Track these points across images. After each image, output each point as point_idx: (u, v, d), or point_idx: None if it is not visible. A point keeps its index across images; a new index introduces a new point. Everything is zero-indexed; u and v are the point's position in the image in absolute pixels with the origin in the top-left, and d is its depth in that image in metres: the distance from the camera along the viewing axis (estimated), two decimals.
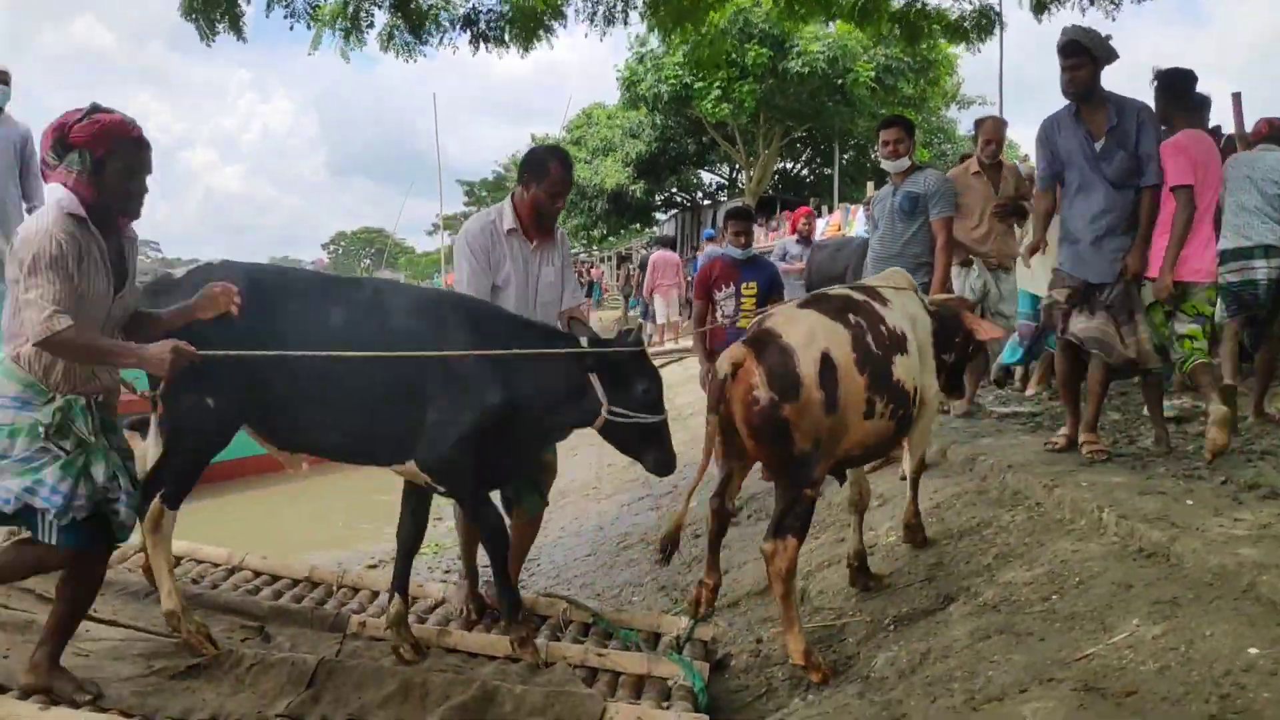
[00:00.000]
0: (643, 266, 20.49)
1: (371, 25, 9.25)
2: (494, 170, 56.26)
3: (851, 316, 3.86)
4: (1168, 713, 2.62)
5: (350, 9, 9.00)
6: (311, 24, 9.08)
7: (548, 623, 4.50)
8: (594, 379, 3.91)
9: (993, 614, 3.62)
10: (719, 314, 6.52)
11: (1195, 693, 2.66)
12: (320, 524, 9.63)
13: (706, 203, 35.16)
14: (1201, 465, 4.72)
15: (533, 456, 4.28)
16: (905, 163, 6.11)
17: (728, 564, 5.55)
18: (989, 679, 3.13)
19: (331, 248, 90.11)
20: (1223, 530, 3.66)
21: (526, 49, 9.37)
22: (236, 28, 8.52)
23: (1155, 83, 5.28)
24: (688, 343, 17.17)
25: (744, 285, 6.43)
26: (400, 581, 4.11)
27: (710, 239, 19.16)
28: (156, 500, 3.77)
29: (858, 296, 4.06)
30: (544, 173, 4.29)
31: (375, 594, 4.83)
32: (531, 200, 4.31)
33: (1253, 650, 2.74)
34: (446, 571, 7.27)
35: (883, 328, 3.92)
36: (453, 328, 3.83)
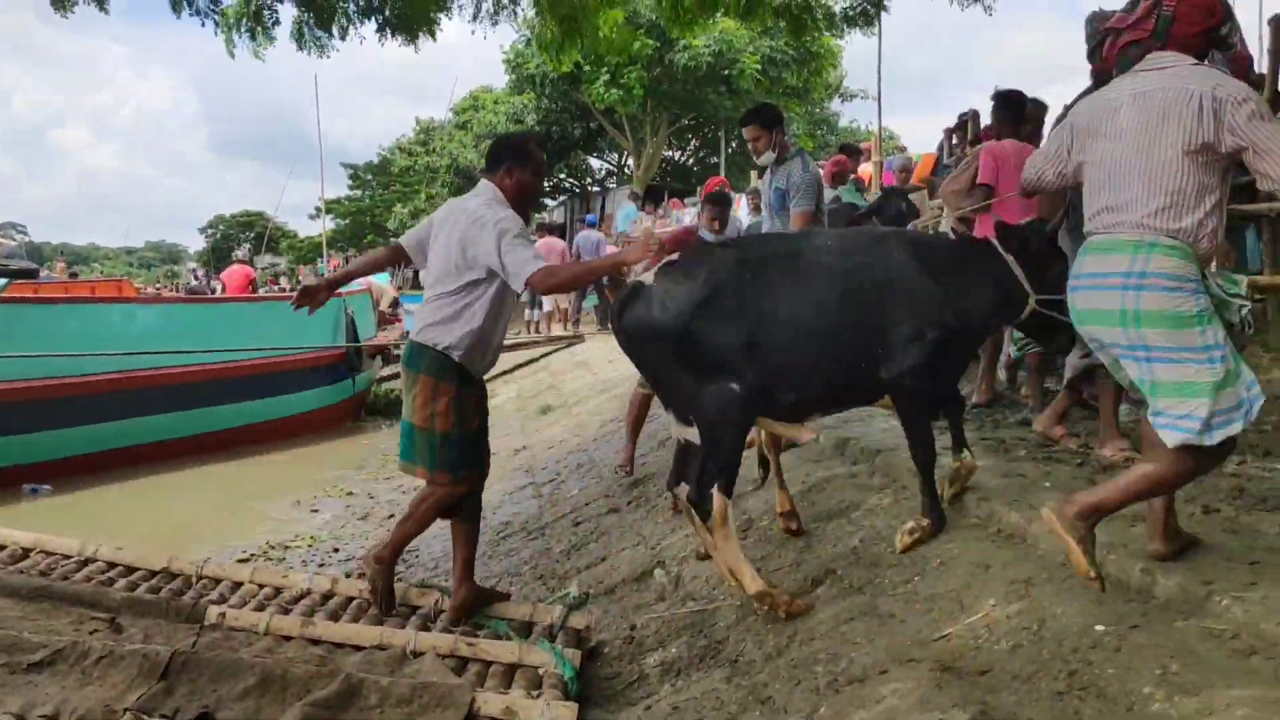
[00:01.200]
0: None
1: (277, 22, 8.95)
2: (379, 153, 55.18)
3: None
4: (1019, 690, 2.70)
5: (252, 7, 8.68)
6: (219, 27, 8.75)
7: (419, 613, 4.42)
8: (1017, 270, 4.02)
9: (857, 596, 3.68)
10: None
11: (1045, 670, 2.75)
12: (198, 518, 9.30)
13: (595, 189, 35.08)
14: (1060, 448, 4.88)
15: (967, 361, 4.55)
16: (770, 156, 6.01)
17: (605, 551, 5.55)
18: (851, 660, 3.18)
19: (209, 231, 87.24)
20: None
21: (414, 38, 9.18)
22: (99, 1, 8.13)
23: (992, 101, 6.01)
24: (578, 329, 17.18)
25: None
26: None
27: (590, 224, 19.15)
28: (718, 494, 3.78)
29: None
30: (527, 156, 4.38)
31: (237, 585, 4.67)
32: (517, 184, 4.35)
33: (1099, 628, 2.84)
34: (321, 565, 7.09)
35: None
36: (898, 253, 3.95)
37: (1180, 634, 2.69)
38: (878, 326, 3.83)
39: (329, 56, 9.29)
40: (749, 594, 3.76)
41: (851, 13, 10.05)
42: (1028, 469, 4.56)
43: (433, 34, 9.23)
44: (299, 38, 9.08)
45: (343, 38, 9.16)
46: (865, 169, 12.23)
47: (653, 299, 3.75)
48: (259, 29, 8.75)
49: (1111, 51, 3.23)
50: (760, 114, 6.15)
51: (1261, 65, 8.35)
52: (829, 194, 8.21)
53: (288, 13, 9.09)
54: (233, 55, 8.98)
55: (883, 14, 10.24)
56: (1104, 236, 3.06)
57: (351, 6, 9.08)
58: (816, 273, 3.84)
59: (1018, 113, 5.89)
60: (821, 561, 4.14)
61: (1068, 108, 4.42)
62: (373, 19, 9.09)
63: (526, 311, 18.90)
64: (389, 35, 9.12)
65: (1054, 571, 3.31)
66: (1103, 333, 3.06)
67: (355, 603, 4.51)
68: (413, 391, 4.24)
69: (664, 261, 3.81)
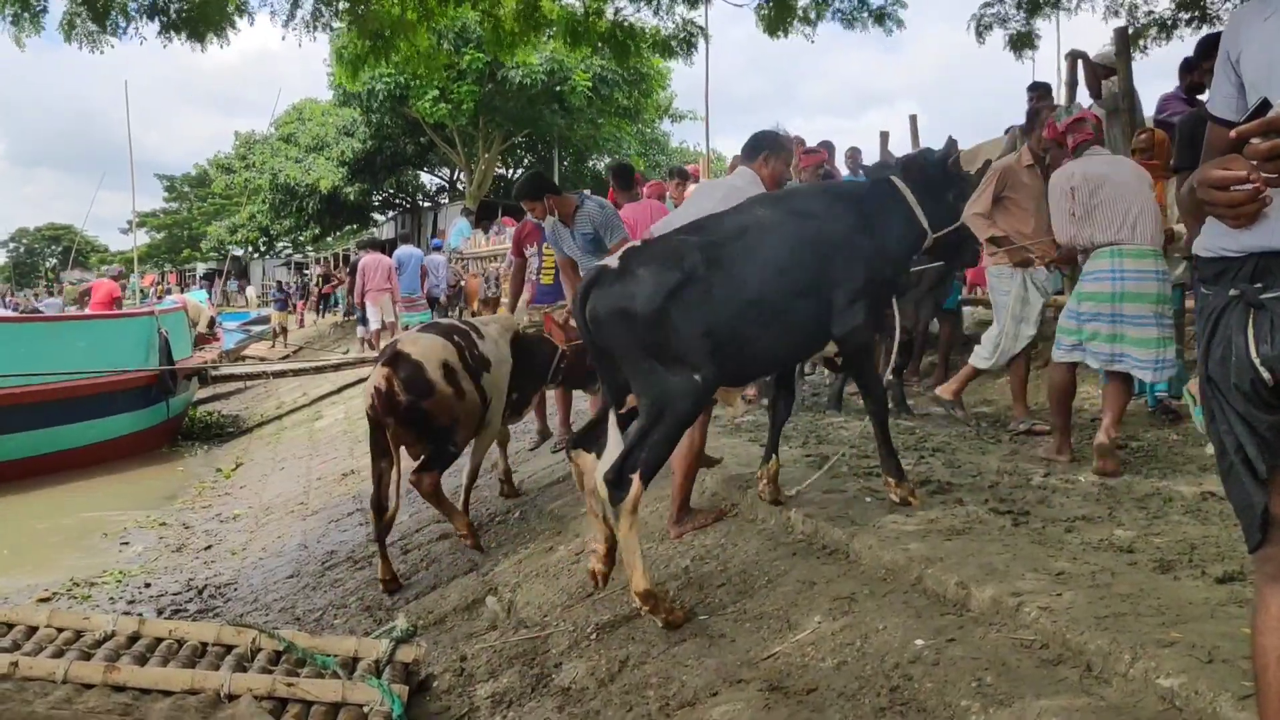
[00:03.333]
0: (352, 271, 19.89)
1: (46, 10, 8.33)
2: (195, 165, 53.03)
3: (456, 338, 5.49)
4: (843, 707, 2.75)
5: None
6: None
7: (234, 653, 4.18)
8: (914, 206, 4.36)
9: (689, 617, 3.68)
10: (528, 269, 7.50)
11: (869, 686, 2.80)
12: None
13: (426, 205, 34.56)
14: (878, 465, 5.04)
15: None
16: (552, 219, 6.38)
17: (435, 579, 5.41)
18: (683, 684, 3.17)
19: (12, 245, 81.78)
20: (895, 526, 3.90)
21: (201, 39, 8.70)
22: None
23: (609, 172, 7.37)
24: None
25: (545, 245, 7.11)
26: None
27: (438, 248, 18.89)
28: (638, 481, 3.58)
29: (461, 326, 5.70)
30: (781, 146, 4.80)
31: (32, 630, 4.32)
32: (773, 172, 4.71)
33: (919, 642, 2.92)
34: (131, 602, 6.67)
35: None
36: (841, 208, 4.24)
37: (994, 645, 2.79)
38: (826, 287, 4.02)
39: (102, 52, 8.69)
40: (635, 590, 3.65)
41: (674, 41, 10.22)
42: (850, 485, 4.69)
43: (224, 36, 8.79)
44: (69, 29, 8.51)
45: (117, 34, 8.63)
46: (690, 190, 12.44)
47: (627, 282, 3.70)
48: (25, 15, 8.13)
49: (1074, 145, 5.27)
50: (526, 189, 6.52)
51: (1060, 95, 8.98)
52: None
53: (59, 3, 8.53)
54: (21, 43, 8.32)
55: (709, 40, 10.47)
56: (1136, 246, 4.96)
57: (131, 4, 8.55)
58: (768, 243, 3.93)
59: (628, 180, 8.20)
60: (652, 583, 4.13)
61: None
62: (155, 19, 8.60)
63: (359, 329, 18.43)
64: (172, 36, 8.64)
65: (875, 586, 3.40)
66: (1137, 308, 4.92)
67: (164, 644, 4.23)
68: None
69: (629, 246, 3.99)
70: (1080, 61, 8.03)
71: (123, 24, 8.60)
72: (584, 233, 6.23)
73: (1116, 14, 11.30)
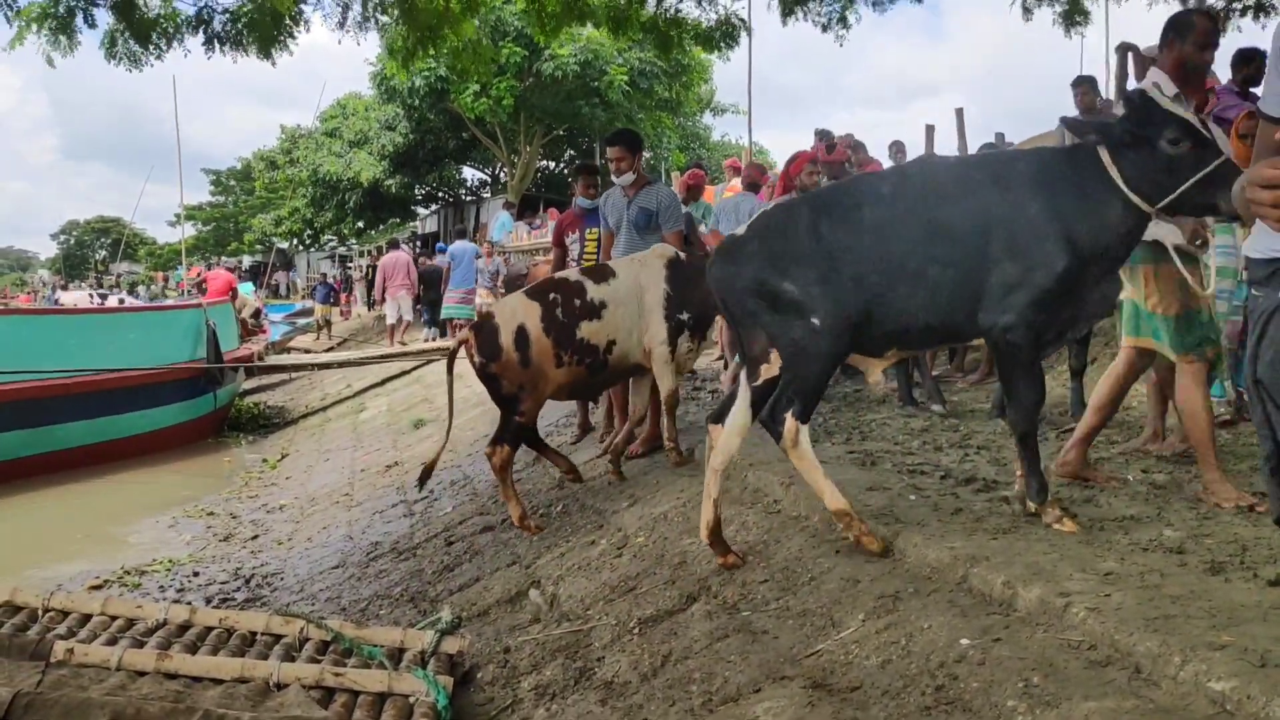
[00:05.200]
0: (373, 269, 20.40)
1: (93, 25, 8.46)
2: (241, 158, 53.76)
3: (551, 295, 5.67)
4: (888, 706, 2.74)
5: (61, 8, 8.19)
6: (11, 19, 8.20)
7: (282, 642, 4.25)
8: (1110, 165, 3.63)
9: (732, 613, 3.69)
10: (568, 258, 7.53)
11: (913, 685, 2.79)
12: (48, 543, 8.79)
13: (469, 198, 34.74)
14: (925, 461, 5.01)
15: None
16: (630, 177, 6.45)
17: (479, 571, 5.46)
18: (725, 679, 3.18)
19: (63, 238, 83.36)
20: (941, 524, 3.88)
21: (266, 54, 8.80)
22: None
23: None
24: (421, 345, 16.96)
25: (588, 231, 7.27)
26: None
27: (442, 251, 19.20)
28: (790, 418, 3.82)
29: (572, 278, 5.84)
30: (1189, 28, 4.32)
31: (86, 617, 4.42)
32: (1177, 58, 4.30)
33: (964, 641, 2.90)
34: (180, 590, 6.80)
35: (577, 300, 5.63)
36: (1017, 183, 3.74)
37: (1041, 646, 2.77)
38: (977, 265, 3.68)
39: (142, 70, 8.84)
40: (830, 510, 3.85)
41: (716, 32, 10.20)
42: (894, 481, 4.67)
43: (285, 48, 8.86)
44: (109, 47, 8.62)
45: (159, 58, 8.74)
46: (735, 184, 12.41)
47: (737, 254, 3.96)
48: (63, 34, 8.26)
49: None
50: (626, 136, 6.67)
51: (1109, 89, 8.85)
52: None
53: (103, 18, 8.59)
54: (52, 62, 8.42)
55: (751, 34, 10.44)
56: None
57: (170, 25, 8.63)
58: (911, 204, 3.81)
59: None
60: (695, 577, 4.14)
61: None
62: (200, 31, 8.70)
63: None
64: (216, 48, 8.75)
65: (920, 585, 3.38)
66: None
67: (214, 633, 4.31)
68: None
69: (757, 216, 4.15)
70: (1130, 54, 7.90)
71: (164, 45, 8.70)
72: (643, 207, 6.40)
73: (1168, 1, 11.04)
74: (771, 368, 3.92)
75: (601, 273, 5.87)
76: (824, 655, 3.14)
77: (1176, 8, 10.44)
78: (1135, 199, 3.57)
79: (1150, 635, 2.61)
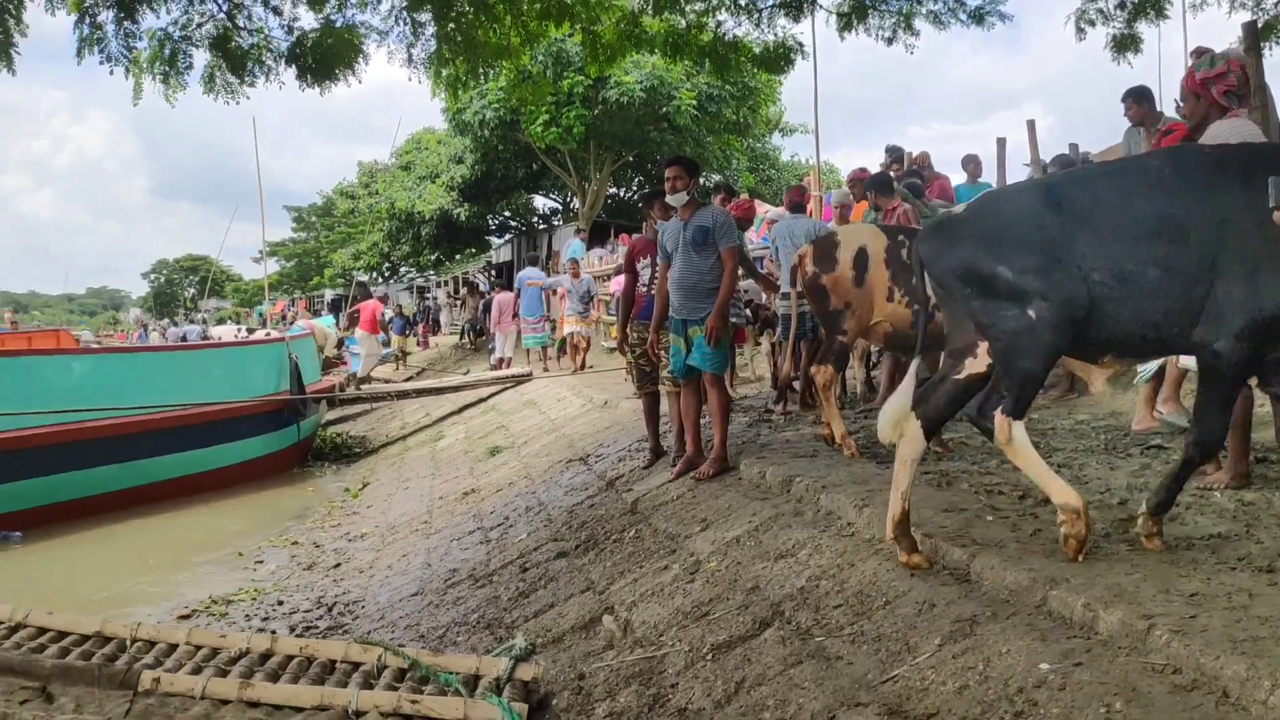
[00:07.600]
0: (487, 306, 21.56)
1: (190, 67, 8.84)
2: (321, 193, 55.11)
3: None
4: None
5: (167, 51, 8.58)
6: (129, 71, 8.61)
7: (361, 670, 4.32)
8: None
9: (805, 638, 3.65)
10: (639, 283, 7.59)
11: (991, 711, 2.73)
12: (138, 573, 9.05)
13: (542, 226, 35.09)
14: (1003, 481, 4.91)
15: None
16: (684, 197, 6.49)
17: (553, 598, 5.48)
18: (800, 706, 3.15)
19: (153, 276, 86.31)
20: (1019, 546, 3.80)
21: (334, 80, 9.07)
22: (6, 57, 7.98)
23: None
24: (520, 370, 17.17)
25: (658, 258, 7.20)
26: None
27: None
28: (999, 415, 3.69)
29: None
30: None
31: (172, 647, 4.54)
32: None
33: (1044, 666, 2.83)
34: (265, 619, 6.94)
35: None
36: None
37: (1123, 670, 2.69)
38: (1201, 272, 3.38)
39: (239, 103, 9.16)
40: (1056, 503, 3.64)
41: (773, 54, 10.22)
42: (969, 501, 4.59)
43: (354, 74, 9.12)
44: (209, 82, 8.96)
45: (253, 85, 9.06)
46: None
47: (951, 232, 3.88)
48: (172, 74, 8.63)
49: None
50: (686, 160, 6.85)
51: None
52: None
53: (201, 58, 8.96)
54: (140, 100, 8.79)
55: (807, 56, 10.42)
56: None
57: (267, 55, 8.96)
58: (1139, 196, 3.56)
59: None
60: (769, 603, 4.11)
61: None
62: (293, 65, 8.98)
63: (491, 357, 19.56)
64: (309, 81, 9.01)
65: (998, 609, 3.31)
66: None
67: (295, 661, 4.40)
68: None
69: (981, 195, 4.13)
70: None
71: (259, 74, 9.02)
72: (700, 225, 6.47)
73: (1244, 7, 10.77)
74: (978, 363, 3.77)
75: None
76: (899, 681, 3.09)
77: (1252, 14, 10.19)
78: None
79: (1238, 658, 2.52)
